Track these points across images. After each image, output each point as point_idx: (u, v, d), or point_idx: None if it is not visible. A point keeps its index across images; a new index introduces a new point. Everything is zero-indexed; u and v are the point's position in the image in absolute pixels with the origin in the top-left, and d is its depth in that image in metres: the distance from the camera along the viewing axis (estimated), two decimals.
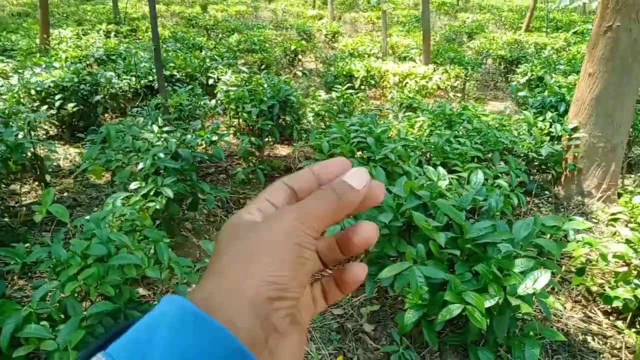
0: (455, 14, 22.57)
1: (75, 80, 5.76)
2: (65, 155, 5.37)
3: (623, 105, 4.34)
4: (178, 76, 7.43)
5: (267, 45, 11.19)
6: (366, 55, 10.65)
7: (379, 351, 2.70)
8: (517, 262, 2.35)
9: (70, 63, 7.09)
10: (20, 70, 6.28)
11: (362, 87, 8.30)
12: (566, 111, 4.96)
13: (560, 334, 2.38)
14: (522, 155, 4.45)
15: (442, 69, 8.51)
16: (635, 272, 2.76)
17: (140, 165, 3.33)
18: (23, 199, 4.23)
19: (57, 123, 5.81)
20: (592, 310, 3.10)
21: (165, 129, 3.98)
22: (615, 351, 2.75)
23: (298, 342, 0.34)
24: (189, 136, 3.92)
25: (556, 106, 5.30)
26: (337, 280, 0.38)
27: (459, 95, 8.64)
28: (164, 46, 9.60)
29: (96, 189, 4.56)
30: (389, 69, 8.45)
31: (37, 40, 9.65)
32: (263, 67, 9.61)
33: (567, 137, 4.58)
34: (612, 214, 3.34)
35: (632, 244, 2.83)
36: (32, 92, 5.48)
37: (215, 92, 6.02)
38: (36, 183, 4.48)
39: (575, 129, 4.55)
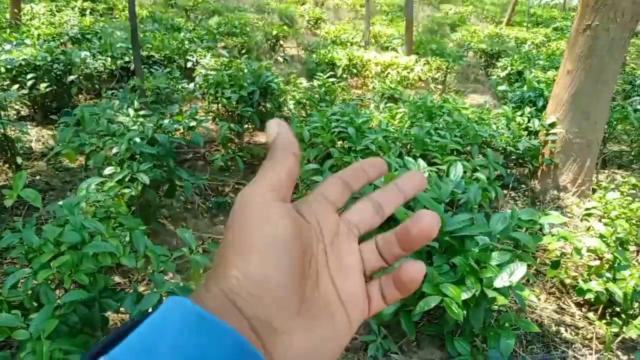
0: (439, 5, 22.61)
1: (49, 59, 5.57)
2: (38, 137, 5.21)
3: (599, 102, 4.42)
4: (156, 57, 7.26)
5: (248, 29, 11.02)
6: (349, 44, 10.60)
7: (357, 341, 2.71)
8: (494, 255, 2.38)
9: (43, 41, 6.84)
10: None
11: (344, 75, 8.27)
12: (544, 106, 5.03)
13: (535, 325, 2.43)
14: (500, 148, 4.50)
15: (424, 61, 8.53)
16: (607, 266, 2.83)
17: (115, 150, 3.24)
18: None
19: (28, 103, 5.62)
20: (566, 302, 3.17)
21: (142, 112, 3.88)
22: (586, 341, 2.83)
23: (304, 339, 0.31)
24: (166, 121, 3.84)
25: (535, 101, 5.37)
26: (394, 281, 0.36)
27: (440, 87, 8.68)
28: (142, 26, 9.36)
29: (69, 172, 4.44)
30: (371, 59, 8.43)
31: (7, 15, 9.30)
32: (243, 51, 9.47)
33: (545, 132, 4.65)
34: (587, 209, 3.41)
35: (605, 239, 2.90)
36: (2, 69, 5.28)
37: (193, 75, 5.91)
38: (7, 165, 4.33)
39: (552, 125, 4.62)
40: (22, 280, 1.90)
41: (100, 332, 2.10)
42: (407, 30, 9.34)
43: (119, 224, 2.38)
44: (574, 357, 2.71)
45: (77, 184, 3.71)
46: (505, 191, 4.50)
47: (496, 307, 2.70)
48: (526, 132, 4.75)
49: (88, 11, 11.69)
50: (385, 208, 0.39)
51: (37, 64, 5.45)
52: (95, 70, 6.24)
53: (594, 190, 4.42)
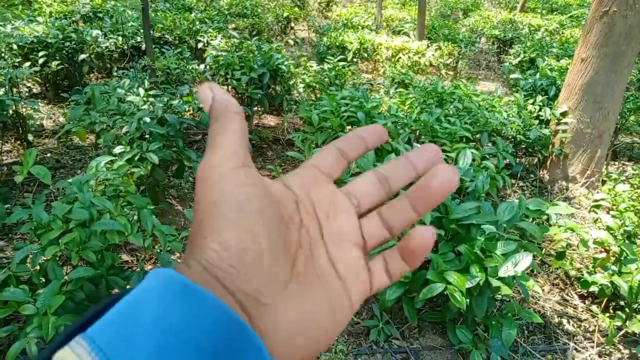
0: None
1: (60, 37, 5.57)
2: (49, 114, 5.24)
3: (613, 92, 4.35)
4: (167, 38, 7.23)
5: (259, 10, 10.92)
6: (360, 27, 10.47)
7: (359, 325, 2.74)
8: (500, 244, 2.38)
9: (55, 19, 6.83)
10: (1, 23, 6.04)
11: (355, 59, 8.19)
12: (556, 95, 4.97)
13: (537, 316, 2.44)
14: (510, 137, 4.46)
15: (436, 46, 8.43)
16: (613, 259, 2.82)
17: (125, 129, 3.26)
18: (4, 157, 4.13)
19: (40, 81, 5.64)
20: (569, 294, 3.17)
21: (152, 92, 3.88)
22: (588, 334, 2.83)
23: (296, 313, 0.30)
24: (176, 101, 3.84)
25: (547, 90, 5.30)
26: (402, 251, 0.34)
27: (451, 73, 8.58)
28: (153, 5, 9.31)
29: (80, 150, 4.47)
30: (382, 43, 8.33)
31: None
32: (254, 33, 9.40)
33: (556, 121, 4.60)
34: (595, 201, 3.39)
35: (613, 231, 2.88)
36: (14, 46, 5.29)
37: (204, 56, 5.89)
38: (18, 142, 4.37)
39: (564, 114, 4.56)
40: (30, 256, 1.93)
41: None
42: (419, 15, 9.20)
43: (127, 203, 2.40)
44: (575, 349, 2.72)
45: (88, 162, 3.74)
46: (513, 180, 4.48)
47: (499, 296, 2.71)
48: (537, 121, 4.70)
49: None
50: (393, 183, 0.36)
51: (49, 41, 5.45)
52: (107, 49, 6.24)
53: (603, 182, 4.39)
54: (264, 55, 5.17)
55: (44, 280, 1.95)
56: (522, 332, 2.79)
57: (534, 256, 2.38)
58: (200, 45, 7.11)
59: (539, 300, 3.08)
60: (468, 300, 2.22)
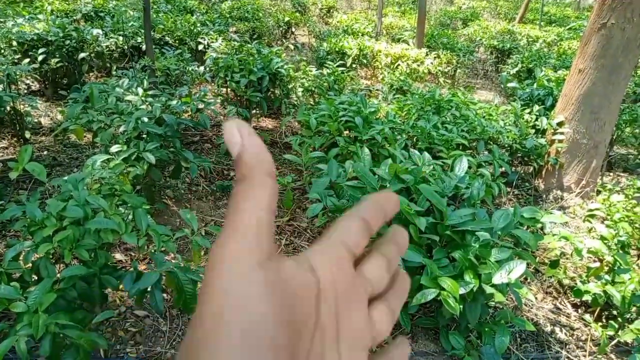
0: None
1: (61, 35, 5.57)
2: (47, 112, 5.23)
3: (609, 103, 4.38)
4: (167, 40, 7.24)
5: (260, 14, 10.96)
6: (360, 34, 10.52)
7: None
8: (494, 251, 2.38)
9: (56, 16, 6.84)
10: (2, 19, 6.04)
11: (354, 65, 8.22)
12: (553, 105, 5.00)
13: (530, 324, 2.44)
14: (506, 145, 4.48)
15: (435, 54, 8.47)
16: (607, 269, 2.83)
17: (123, 128, 3.25)
18: (0, 154, 4.12)
19: (39, 78, 5.64)
20: (562, 303, 3.18)
21: (151, 92, 3.88)
22: (580, 343, 2.84)
23: None
24: (174, 102, 3.84)
25: (544, 100, 5.33)
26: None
27: (449, 81, 8.62)
28: (154, 7, 9.33)
29: (77, 149, 4.46)
30: (382, 50, 8.37)
31: None
32: (255, 36, 9.43)
33: (552, 131, 4.62)
34: (590, 210, 3.40)
35: (607, 241, 2.89)
36: (14, 43, 5.29)
37: (204, 58, 5.90)
38: (15, 139, 4.36)
39: (560, 124, 4.59)
40: (23, 253, 1.92)
41: (99, 309, 2.13)
42: (419, 23, 9.25)
43: (122, 202, 2.40)
44: (568, 357, 2.72)
45: (84, 161, 3.74)
46: (508, 189, 4.49)
47: (493, 303, 2.71)
48: (533, 130, 4.73)
49: None
50: (392, 267, 0.34)
51: (49, 39, 5.45)
52: (107, 49, 6.24)
53: (598, 192, 4.41)
54: (264, 59, 5.18)
55: (36, 278, 1.93)
56: (515, 340, 2.79)
57: (527, 264, 2.38)
58: (200, 47, 7.12)
59: (532, 308, 3.08)
60: (461, 306, 2.22)
